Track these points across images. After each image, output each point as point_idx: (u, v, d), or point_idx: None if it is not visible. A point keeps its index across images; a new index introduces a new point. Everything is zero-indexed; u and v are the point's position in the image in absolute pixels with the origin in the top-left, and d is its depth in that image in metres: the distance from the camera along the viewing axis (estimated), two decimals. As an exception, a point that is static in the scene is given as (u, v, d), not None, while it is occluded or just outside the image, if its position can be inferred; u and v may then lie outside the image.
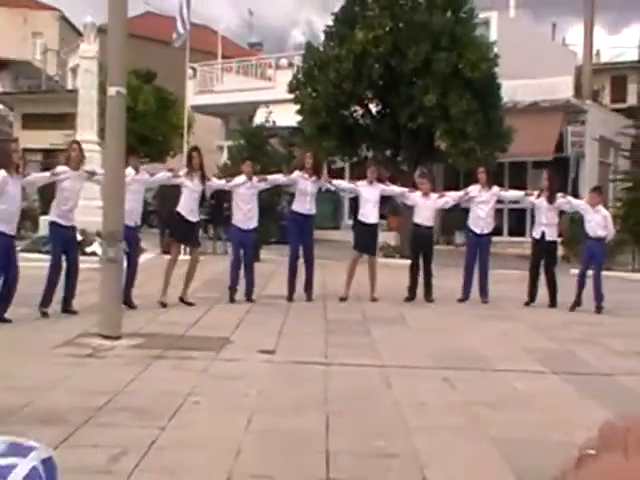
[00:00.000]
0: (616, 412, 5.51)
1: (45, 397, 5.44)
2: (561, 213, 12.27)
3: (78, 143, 10.22)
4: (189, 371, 6.45)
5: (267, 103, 25.09)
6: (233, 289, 10.82)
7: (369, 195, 11.47)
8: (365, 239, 11.51)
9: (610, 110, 29.50)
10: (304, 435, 4.75)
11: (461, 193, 12.28)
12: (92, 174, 9.97)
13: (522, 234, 21.86)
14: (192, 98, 27.67)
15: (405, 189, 12.41)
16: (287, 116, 22.76)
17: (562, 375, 6.86)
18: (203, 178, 10.64)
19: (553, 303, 11.43)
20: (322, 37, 22.00)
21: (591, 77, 27.25)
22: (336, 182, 12.12)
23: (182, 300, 10.32)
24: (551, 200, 11.44)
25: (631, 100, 32.35)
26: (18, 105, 38.11)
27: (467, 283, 11.73)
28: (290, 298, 11.09)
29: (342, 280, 11.49)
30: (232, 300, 10.71)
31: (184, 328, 8.57)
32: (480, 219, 11.75)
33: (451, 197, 12.34)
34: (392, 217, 22.49)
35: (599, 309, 11.16)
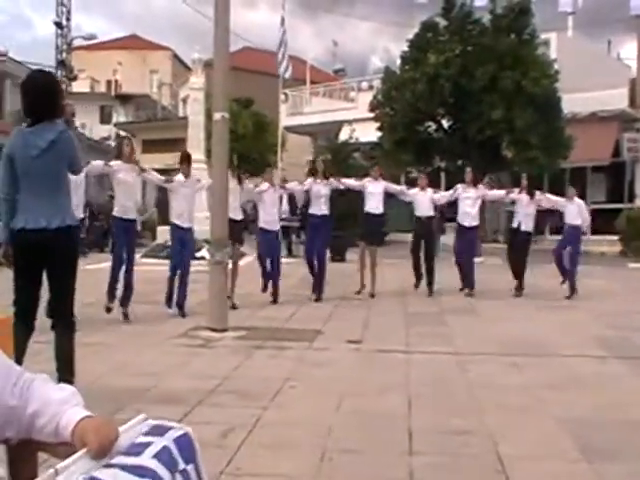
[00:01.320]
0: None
1: (165, 381, 5.59)
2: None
3: (129, 139, 9.77)
4: (286, 359, 6.50)
5: (350, 122, 25.22)
6: (275, 293, 10.25)
7: (374, 189, 11.24)
8: (371, 228, 11.22)
9: (662, 118, 28.46)
10: (388, 415, 4.74)
11: (451, 191, 12.06)
12: (143, 170, 9.06)
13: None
14: (285, 120, 28.00)
15: (404, 187, 12.71)
16: (368, 133, 22.81)
17: (620, 359, 6.65)
18: (240, 181, 10.10)
19: (519, 287, 11.38)
20: (398, 61, 21.96)
21: (645, 88, 26.38)
22: (345, 181, 11.54)
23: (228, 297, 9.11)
24: (531, 196, 11.46)
25: (681, 107, 31.20)
26: (139, 132, 39.19)
27: (468, 272, 11.45)
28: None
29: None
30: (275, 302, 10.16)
31: (281, 322, 8.65)
32: (465, 214, 11.51)
33: (443, 195, 12.25)
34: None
35: (565, 282, 11.34)
